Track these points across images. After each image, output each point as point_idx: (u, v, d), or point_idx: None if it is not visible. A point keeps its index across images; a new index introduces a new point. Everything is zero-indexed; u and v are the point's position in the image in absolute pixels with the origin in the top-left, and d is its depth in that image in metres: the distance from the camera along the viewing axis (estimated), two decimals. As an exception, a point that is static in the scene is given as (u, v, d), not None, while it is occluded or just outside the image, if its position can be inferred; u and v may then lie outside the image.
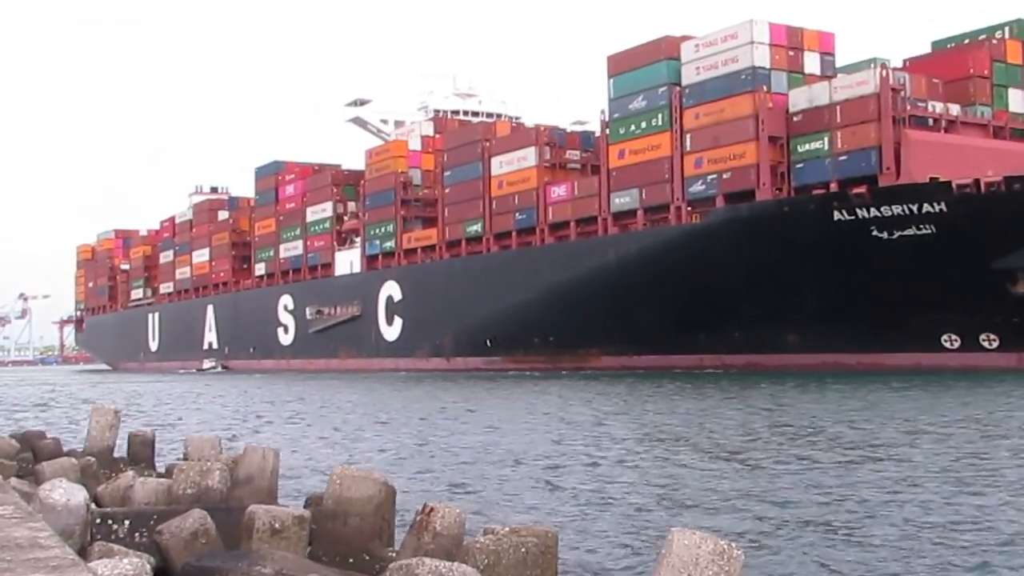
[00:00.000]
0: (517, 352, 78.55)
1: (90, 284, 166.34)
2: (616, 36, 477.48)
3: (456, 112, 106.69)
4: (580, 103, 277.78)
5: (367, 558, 11.23)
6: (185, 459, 16.09)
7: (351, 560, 11.21)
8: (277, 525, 10.41)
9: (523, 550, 9.41)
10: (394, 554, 10.90)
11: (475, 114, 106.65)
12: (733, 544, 7.30)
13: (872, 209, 56.77)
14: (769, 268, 60.24)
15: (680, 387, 49.53)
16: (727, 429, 29.13)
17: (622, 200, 71.10)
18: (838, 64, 66.80)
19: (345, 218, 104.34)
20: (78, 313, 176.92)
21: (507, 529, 9.95)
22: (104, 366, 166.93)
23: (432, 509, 10.33)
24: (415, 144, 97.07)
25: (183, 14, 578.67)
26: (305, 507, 12.14)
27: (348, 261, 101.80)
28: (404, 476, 20.49)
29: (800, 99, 62.38)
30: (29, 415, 42.38)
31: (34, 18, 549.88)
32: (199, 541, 10.32)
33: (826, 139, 60.48)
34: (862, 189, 57.39)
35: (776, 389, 45.27)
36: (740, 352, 64.34)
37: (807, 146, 61.54)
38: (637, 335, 68.63)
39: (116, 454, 18.70)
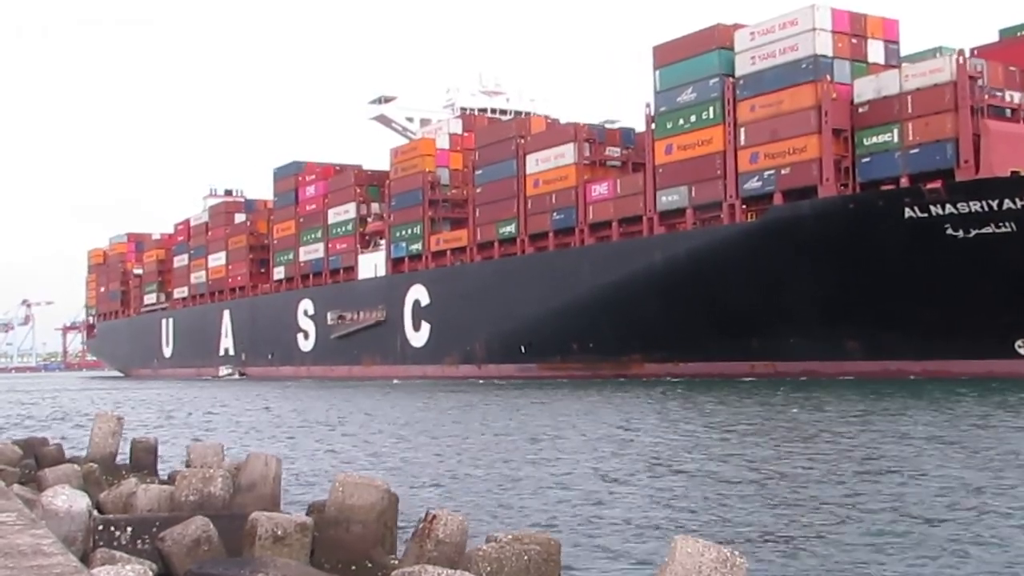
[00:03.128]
0: (554, 359, 74.90)
1: (102, 289, 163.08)
2: (640, 32, 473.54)
3: (483, 110, 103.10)
4: (606, 101, 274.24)
5: (369, 565, 11.27)
6: (188, 466, 16.00)
7: (353, 567, 11.25)
8: (279, 532, 10.45)
9: (526, 558, 9.41)
10: (396, 562, 11.02)
11: (503, 112, 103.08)
12: (736, 552, 7.33)
13: (947, 206, 53.13)
14: (830, 269, 56.78)
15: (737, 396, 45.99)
16: (737, 437, 28.63)
17: (670, 198, 67.32)
18: (900, 53, 62.99)
19: (369, 220, 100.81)
20: (89, 319, 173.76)
21: (510, 537, 9.87)
22: (114, 372, 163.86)
23: (435, 516, 10.39)
24: (443, 142, 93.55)
25: (194, 10, 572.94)
26: (308, 514, 12.17)
27: (372, 264, 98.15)
28: (407, 483, 20.59)
29: (866, 89, 58.56)
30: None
31: (34, 17, 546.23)
32: (201, 548, 10.38)
33: (896, 131, 56.64)
34: (937, 184, 53.63)
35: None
36: (795, 359, 60.69)
37: (874, 139, 57.71)
38: (684, 341, 64.99)
39: (119, 461, 18.89)
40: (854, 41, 60.76)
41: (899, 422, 31.00)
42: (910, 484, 19.16)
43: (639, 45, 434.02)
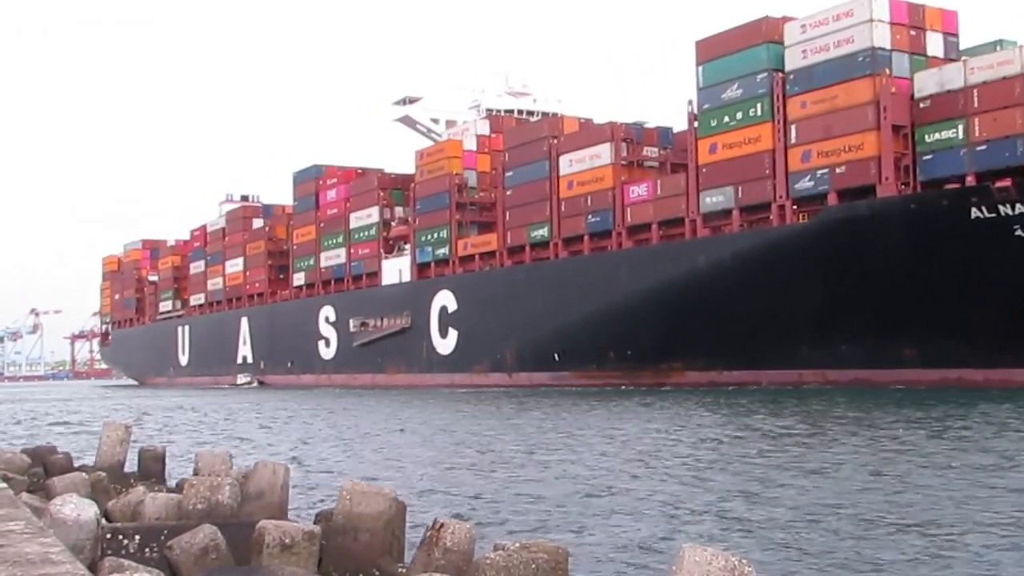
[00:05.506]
0: (589, 367, 72.03)
1: (116, 296, 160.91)
2: (655, 33, 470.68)
3: (510, 111, 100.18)
4: (632, 102, 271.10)
5: (377, 574, 11.35)
6: (195, 474, 15.96)
7: (361, 576, 11.29)
8: (287, 540, 10.51)
9: (533, 566, 9.46)
10: (404, 570, 11.20)
11: (530, 113, 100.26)
12: (744, 560, 7.27)
13: (1018, 205, 50.30)
14: (889, 273, 53.99)
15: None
16: (747, 445, 28.45)
17: (714, 199, 64.48)
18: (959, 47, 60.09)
19: (392, 224, 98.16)
20: (104, 326, 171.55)
21: (517, 545, 9.95)
22: (126, 381, 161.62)
23: (442, 525, 10.56)
24: (470, 144, 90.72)
25: (199, 10, 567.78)
26: (315, 522, 12.20)
27: (396, 270, 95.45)
28: (415, 491, 20.61)
29: (928, 83, 55.65)
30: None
31: (34, 17, 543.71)
32: (209, 557, 10.48)
33: (961, 127, 53.70)
34: (1006, 182, 50.79)
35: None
36: (846, 367, 57.77)
37: (937, 135, 54.74)
38: (728, 348, 62.18)
39: (127, 469, 18.98)
40: (913, 33, 57.84)
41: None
42: (938, 500, 18.38)
43: (654, 47, 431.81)
